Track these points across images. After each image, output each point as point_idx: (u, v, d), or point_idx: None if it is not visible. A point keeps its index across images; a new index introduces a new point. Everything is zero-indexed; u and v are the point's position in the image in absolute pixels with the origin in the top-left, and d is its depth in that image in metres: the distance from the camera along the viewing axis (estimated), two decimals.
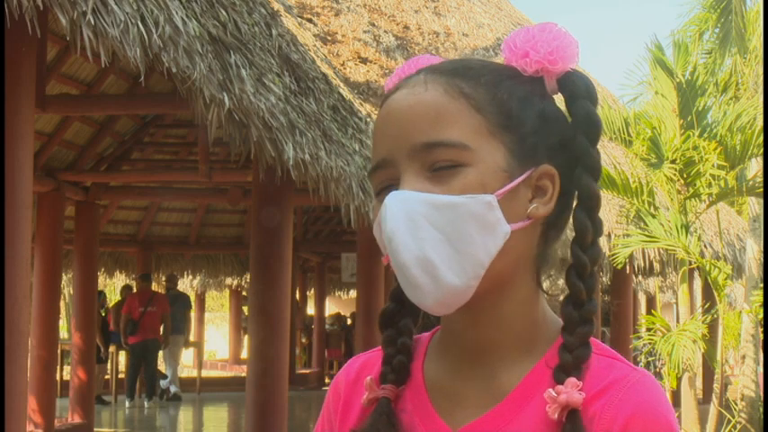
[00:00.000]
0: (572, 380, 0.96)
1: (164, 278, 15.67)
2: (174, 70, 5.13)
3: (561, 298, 1.03)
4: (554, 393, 0.96)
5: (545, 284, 1.05)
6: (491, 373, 1.02)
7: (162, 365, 14.94)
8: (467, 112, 0.99)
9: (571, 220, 1.03)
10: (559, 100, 1.06)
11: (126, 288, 14.45)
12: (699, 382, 10.06)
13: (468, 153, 0.97)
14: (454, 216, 0.96)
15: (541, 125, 1.02)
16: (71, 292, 14.48)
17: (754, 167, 8.19)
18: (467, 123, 0.98)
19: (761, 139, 7.27)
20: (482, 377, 1.03)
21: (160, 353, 14.39)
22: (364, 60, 12.24)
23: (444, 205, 0.96)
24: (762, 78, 8.73)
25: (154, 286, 14.39)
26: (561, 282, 1.04)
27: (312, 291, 21.38)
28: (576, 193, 1.02)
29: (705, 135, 7.35)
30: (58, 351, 10.83)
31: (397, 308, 1.10)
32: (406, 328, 1.10)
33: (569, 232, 1.05)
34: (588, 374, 0.98)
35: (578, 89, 1.03)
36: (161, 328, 13.44)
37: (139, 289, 13.53)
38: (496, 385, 1.01)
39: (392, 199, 0.97)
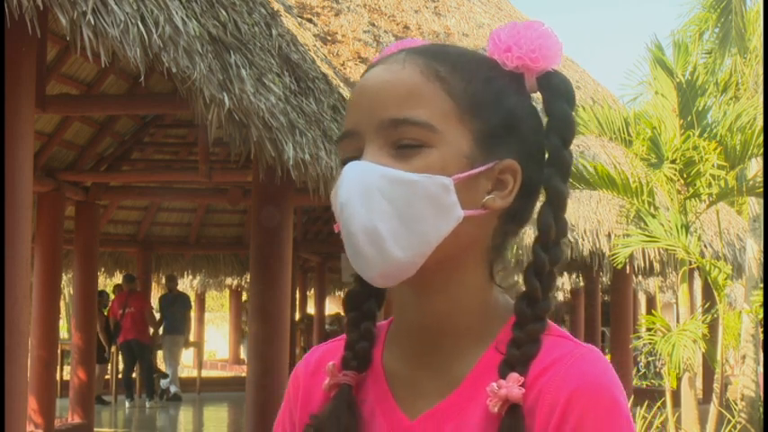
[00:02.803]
0: (514, 375, 0.96)
1: (163, 278, 15.68)
2: (174, 70, 5.13)
3: (516, 292, 1.03)
4: (496, 387, 0.96)
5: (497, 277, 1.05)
6: (446, 360, 1.03)
7: (162, 365, 14.94)
8: (439, 95, 1.00)
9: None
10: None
11: (118, 287, 14.52)
12: (699, 382, 10.06)
13: (433, 135, 0.98)
14: (409, 193, 0.96)
15: (513, 120, 1.02)
16: (71, 292, 14.48)
17: (754, 167, 8.18)
18: (437, 106, 0.99)
19: (761, 139, 7.26)
20: (437, 364, 1.03)
21: (160, 353, 14.39)
22: (364, 60, 12.25)
23: (401, 181, 0.97)
24: (762, 78, 8.73)
25: (153, 287, 14.40)
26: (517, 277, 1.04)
27: (312, 291, 21.38)
28: (544, 192, 1.03)
29: (705, 135, 7.33)
30: (58, 351, 10.83)
31: (361, 290, 1.10)
32: (370, 312, 1.10)
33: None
34: None
35: (557, 89, 1.03)
36: (149, 327, 13.48)
37: (123, 290, 13.64)
38: (451, 372, 1.02)
39: (351, 169, 0.98)
